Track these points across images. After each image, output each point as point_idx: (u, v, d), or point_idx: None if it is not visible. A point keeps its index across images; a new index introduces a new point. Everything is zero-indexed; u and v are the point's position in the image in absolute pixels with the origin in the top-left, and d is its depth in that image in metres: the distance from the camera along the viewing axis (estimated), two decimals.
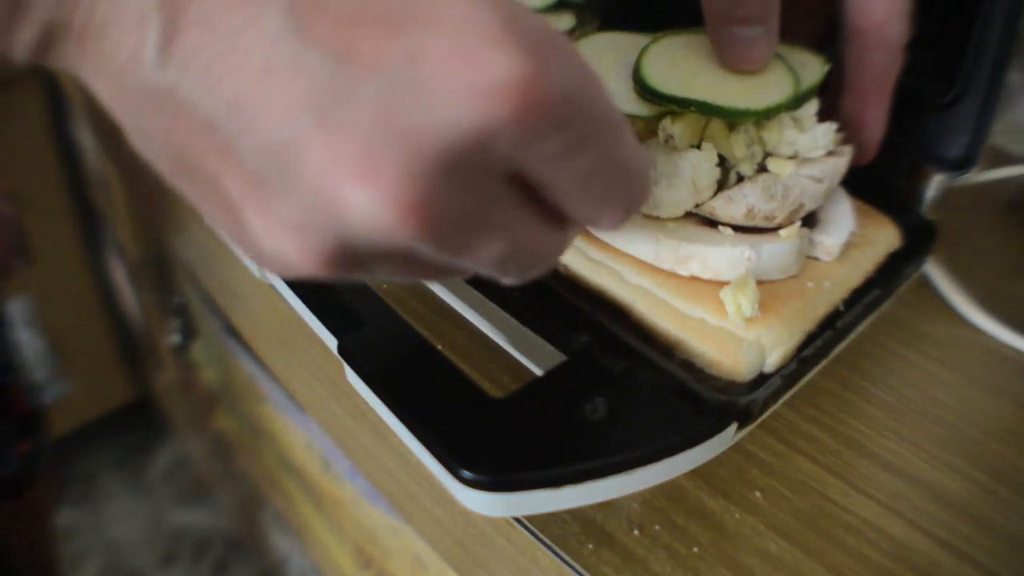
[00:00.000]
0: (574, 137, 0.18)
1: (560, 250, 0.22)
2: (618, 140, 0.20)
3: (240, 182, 0.18)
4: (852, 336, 0.31)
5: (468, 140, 0.16)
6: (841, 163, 0.32)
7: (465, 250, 0.19)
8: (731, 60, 0.30)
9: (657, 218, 0.31)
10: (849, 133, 0.33)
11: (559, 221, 0.21)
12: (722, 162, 0.31)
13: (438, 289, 0.33)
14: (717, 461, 0.28)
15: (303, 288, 0.31)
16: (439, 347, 0.28)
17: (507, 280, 0.22)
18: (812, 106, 0.31)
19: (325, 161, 0.16)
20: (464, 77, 0.16)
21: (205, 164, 0.18)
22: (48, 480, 0.70)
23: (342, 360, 0.28)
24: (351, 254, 0.18)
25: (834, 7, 0.32)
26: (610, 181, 0.20)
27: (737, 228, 0.31)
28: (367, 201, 0.16)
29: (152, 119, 0.18)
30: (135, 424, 1.38)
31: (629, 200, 0.21)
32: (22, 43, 0.19)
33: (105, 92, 0.19)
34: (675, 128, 0.30)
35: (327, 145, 0.16)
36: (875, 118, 0.33)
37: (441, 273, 0.21)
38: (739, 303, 0.28)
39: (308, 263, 0.18)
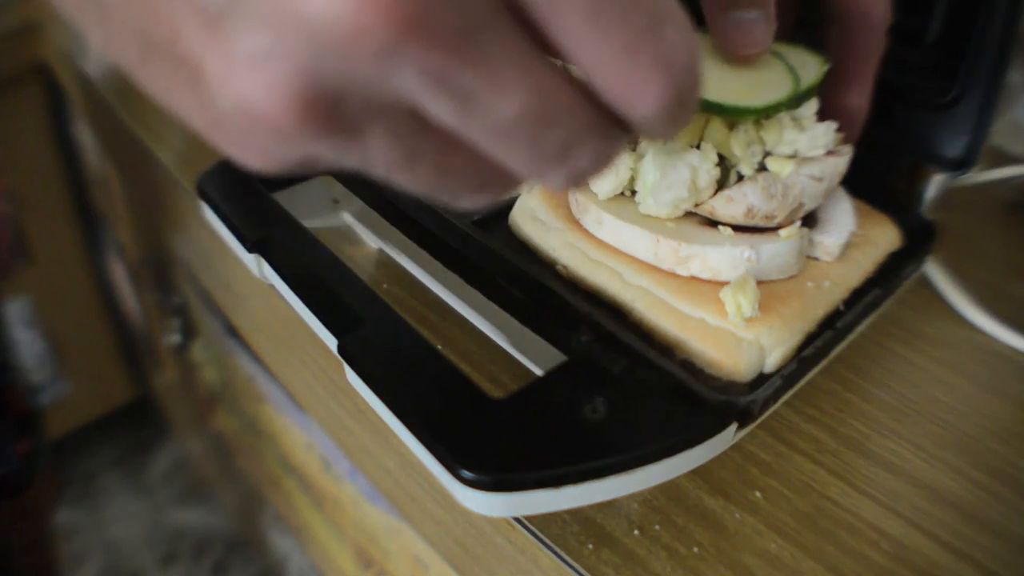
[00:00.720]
0: None
1: (604, 143, 0.18)
2: None
3: (197, 28, 0.16)
4: (852, 336, 0.31)
5: None
6: (841, 163, 0.32)
7: (472, 86, 0.16)
8: (732, 45, 0.30)
9: (657, 218, 0.31)
10: (832, 116, 0.33)
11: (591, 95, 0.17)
12: (722, 162, 0.31)
13: (438, 289, 0.33)
14: (717, 461, 0.28)
15: (303, 288, 0.31)
16: (439, 347, 0.28)
17: (553, 176, 0.18)
18: (812, 105, 0.31)
19: None
20: None
21: (164, 24, 0.17)
22: (48, 480, 0.70)
23: (342, 360, 0.28)
24: (328, 93, 0.16)
25: None
26: (630, 19, 0.16)
27: (737, 228, 0.31)
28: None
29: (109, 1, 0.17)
30: (135, 424, 1.38)
31: (665, 59, 0.16)
32: None
33: None
34: None
35: None
36: (858, 101, 0.33)
37: (453, 153, 0.17)
38: (739, 303, 0.28)
39: (280, 105, 0.16)
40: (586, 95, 0.17)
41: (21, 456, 0.65)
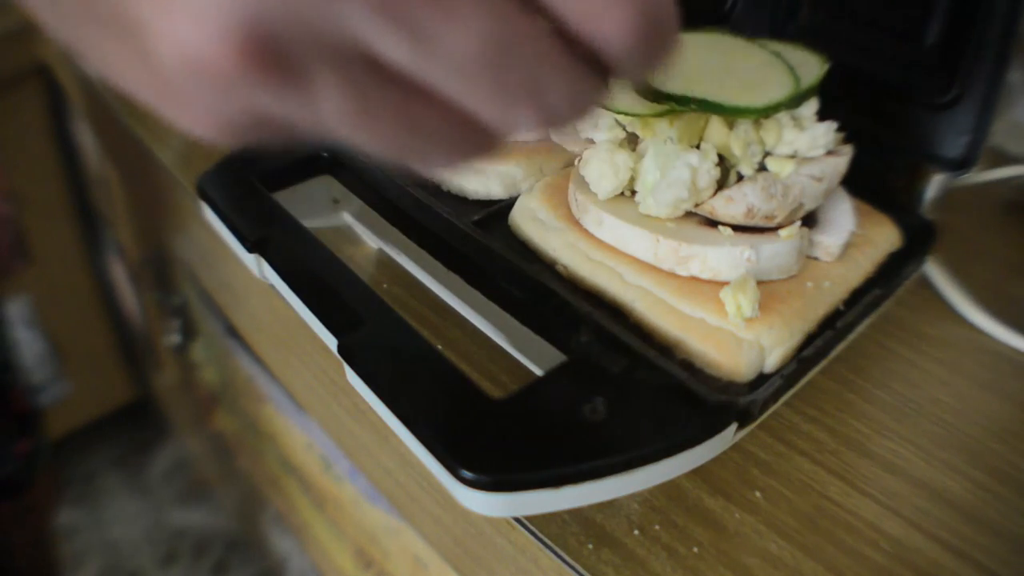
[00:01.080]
0: None
1: (576, 80, 0.16)
2: None
3: None
4: (852, 336, 0.31)
5: None
6: (841, 163, 0.32)
7: (424, 19, 0.14)
8: None
9: (657, 218, 0.31)
10: None
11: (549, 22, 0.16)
12: (722, 162, 0.31)
13: (438, 289, 0.33)
14: (717, 461, 0.28)
15: (303, 288, 0.31)
16: (439, 347, 0.28)
17: (524, 117, 0.16)
18: (811, 105, 0.31)
19: None
20: None
21: None
22: (48, 480, 0.71)
23: (342, 360, 0.28)
24: (271, 35, 0.15)
25: None
26: None
27: (737, 228, 0.31)
28: None
29: None
30: (135, 424, 1.38)
31: None
32: None
33: None
34: (674, 128, 0.30)
35: None
36: None
37: (414, 102, 0.16)
38: (739, 303, 0.28)
39: (222, 51, 0.14)
40: (552, 27, 0.16)
41: (21, 456, 0.65)
